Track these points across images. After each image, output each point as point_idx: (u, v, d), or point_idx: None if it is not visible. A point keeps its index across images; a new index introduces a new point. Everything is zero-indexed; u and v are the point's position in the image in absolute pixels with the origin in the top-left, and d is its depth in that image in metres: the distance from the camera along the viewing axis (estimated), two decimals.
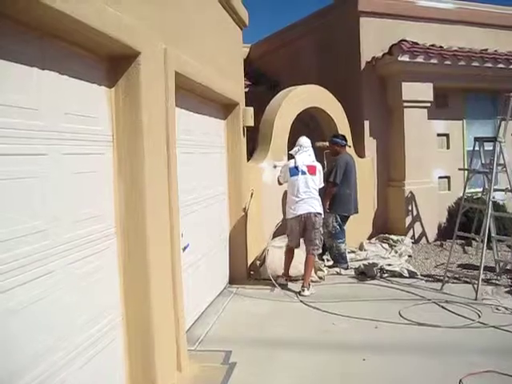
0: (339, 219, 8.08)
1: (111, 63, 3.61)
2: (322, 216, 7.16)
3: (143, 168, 3.66)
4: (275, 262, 7.39)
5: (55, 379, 2.80)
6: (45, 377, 2.71)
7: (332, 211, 8.02)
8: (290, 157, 7.50)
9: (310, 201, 6.95)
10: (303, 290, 6.76)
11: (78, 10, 2.76)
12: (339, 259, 8.07)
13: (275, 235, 7.75)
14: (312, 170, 7.13)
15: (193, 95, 5.74)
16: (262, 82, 12.66)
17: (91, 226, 3.30)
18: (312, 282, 7.12)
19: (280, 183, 7.88)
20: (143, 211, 3.68)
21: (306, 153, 7.24)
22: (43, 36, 2.85)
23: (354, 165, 8.34)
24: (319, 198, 7.13)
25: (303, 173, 7.04)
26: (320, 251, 7.35)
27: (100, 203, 3.45)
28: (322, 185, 7.44)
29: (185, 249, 4.97)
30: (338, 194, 8.06)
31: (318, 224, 7.02)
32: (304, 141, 7.35)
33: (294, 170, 7.10)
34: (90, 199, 3.32)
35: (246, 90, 9.18)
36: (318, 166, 7.28)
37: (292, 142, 8.93)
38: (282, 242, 7.64)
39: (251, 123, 7.61)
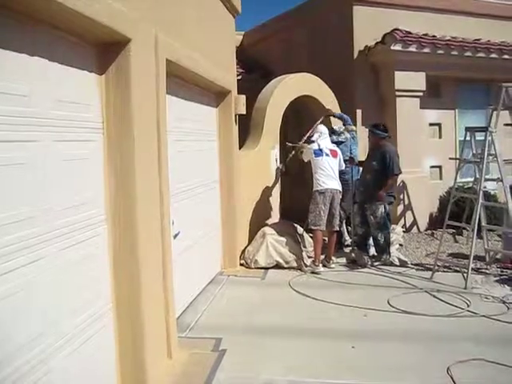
0: (387, 208, 7.79)
1: (101, 50, 3.58)
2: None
3: (133, 155, 3.65)
4: (270, 249, 7.47)
5: (44, 366, 2.81)
6: (36, 362, 2.72)
7: (382, 201, 7.65)
8: (310, 142, 7.92)
9: (333, 179, 7.54)
10: (329, 263, 7.62)
11: None
12: (386, 249, 7.76)
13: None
14: (334, 153, 7.72)
15: (184, 83, 5.72)
16: (255, 70, 12.62)
17: (82, 213, 3.30)
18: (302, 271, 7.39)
19: (303, 161, 8.03)
20: (134, 198, 3.67)
21: (326, 139, 7.83)
22: (33, 23, 2.82)
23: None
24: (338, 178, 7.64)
25: (326, 155, 7.59)
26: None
27: (91, 190, 3.44)
28: (343, 167, 7.92)
29: (176, 236, 4.98)
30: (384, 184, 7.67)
31: (339, 201, 7.62)
32: (323, 128, 8.00)
33: (318, 152, 7.61)
34: (81, 186, 3.31)
35: (239, 77, 9.16)
36: (339, 151, 7.85)
37: (284, 130, 9.01)
38: (278, 229, 7.76)
39: (243, 111, 7.60)
